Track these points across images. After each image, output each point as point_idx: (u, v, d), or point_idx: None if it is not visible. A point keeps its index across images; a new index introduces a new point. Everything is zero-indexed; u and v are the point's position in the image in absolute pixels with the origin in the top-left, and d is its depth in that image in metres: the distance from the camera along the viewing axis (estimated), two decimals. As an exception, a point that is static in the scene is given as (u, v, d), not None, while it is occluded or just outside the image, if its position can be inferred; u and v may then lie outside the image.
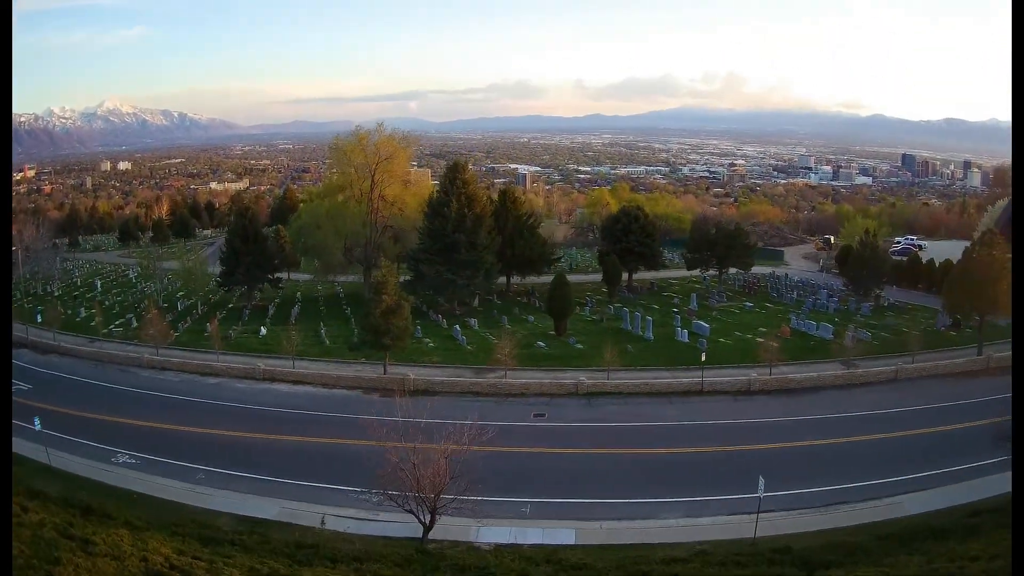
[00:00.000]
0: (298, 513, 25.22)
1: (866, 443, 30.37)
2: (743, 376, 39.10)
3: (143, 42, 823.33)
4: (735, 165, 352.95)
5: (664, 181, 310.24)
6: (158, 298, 68.97)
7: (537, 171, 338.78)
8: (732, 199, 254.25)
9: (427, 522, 21.95)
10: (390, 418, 23.32)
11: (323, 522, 24.17)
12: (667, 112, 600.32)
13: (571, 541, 23.28)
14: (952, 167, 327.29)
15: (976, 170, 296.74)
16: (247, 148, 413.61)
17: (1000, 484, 24.46)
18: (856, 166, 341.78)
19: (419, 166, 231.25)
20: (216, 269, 70.90)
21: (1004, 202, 78.88)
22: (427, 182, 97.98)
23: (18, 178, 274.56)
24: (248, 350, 48.17)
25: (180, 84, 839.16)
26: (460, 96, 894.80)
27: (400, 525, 23.28)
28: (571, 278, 60.12)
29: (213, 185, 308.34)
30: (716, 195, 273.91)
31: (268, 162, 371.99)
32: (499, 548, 22.59)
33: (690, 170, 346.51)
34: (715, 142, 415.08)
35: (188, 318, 59.90)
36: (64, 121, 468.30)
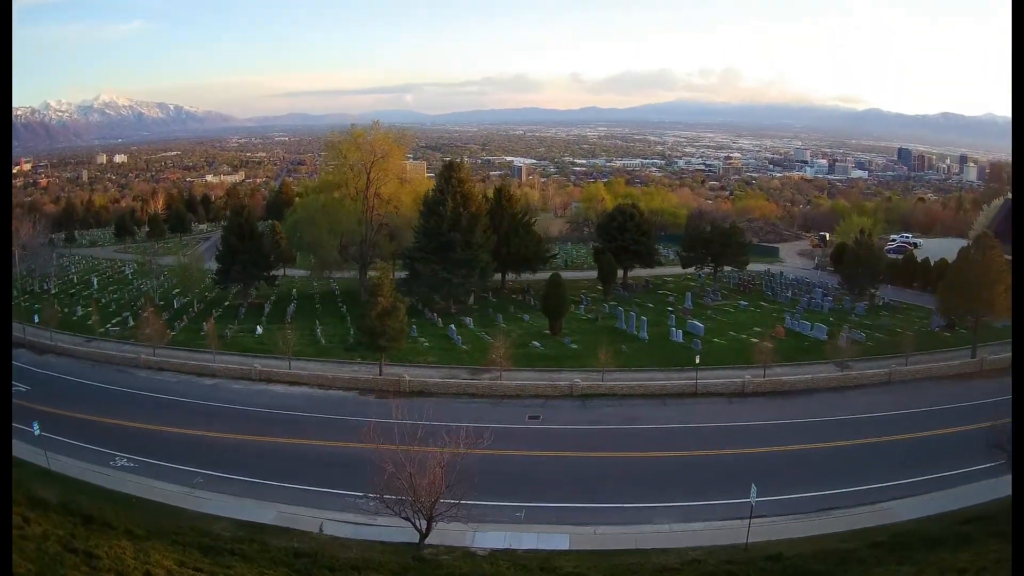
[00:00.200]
0: (295, 518, 25.43)
1: (858, 447, 30.65)
2: (737, 378, 39.35)
3: (140, 35, 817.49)
4: (731, 158, 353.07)
5: (660, 174, 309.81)
6: (154, 296, 69.00)
7: (533, 164, 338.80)
8: (728, 192, 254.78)
9: (423, 529, 22.15)
10: (386, 420, 23.52)
11: (321, 528, 24.40)
12: (663, 105, 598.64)
13: (565, 546, 23.51)
14: (948, 161, 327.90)
15: (972, 165, 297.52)
16: (243, 140, 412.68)
17: (992, 490, 24.85)
18: (852, 160, 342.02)
19: (415, 158, 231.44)
20: (212, 265, 70.90)
21: (1000, 201, 79.31)
22: (423, 177, 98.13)
23: (14, 171, 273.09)
24: (244, 350, 48.34)
25: (176, 77, 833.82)
26: (456, 89, 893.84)
27: (397, 529, 23.43)
28: (566, 275, 60.33)
29: (209, 178, 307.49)
30: (712, 188, 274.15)
31: (264, 154, 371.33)
32: (494, 554, 22.85)
33: (686, 163, 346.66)
34: (711, 135, 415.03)
35: (184, 316, 59.99)
36: (60, 114, 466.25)
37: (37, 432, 28.53)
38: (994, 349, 43.03)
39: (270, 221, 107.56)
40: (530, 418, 35.69)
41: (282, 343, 43.86)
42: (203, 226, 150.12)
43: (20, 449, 28.95)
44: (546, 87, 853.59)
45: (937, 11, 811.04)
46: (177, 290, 72.36)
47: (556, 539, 23.95)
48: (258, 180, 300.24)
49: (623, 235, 68.67)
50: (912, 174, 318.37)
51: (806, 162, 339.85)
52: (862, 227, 72.86)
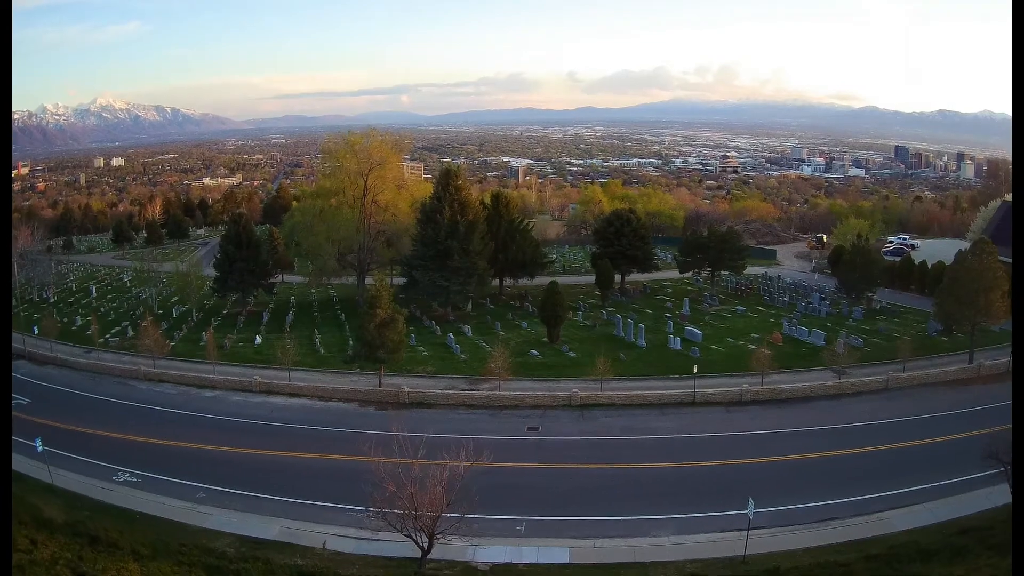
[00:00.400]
0: (298, 533, 25.56)
1: (856, 456, 30.90)
2: (735, 386, 39.52)
3: (137, 38, 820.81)
4: (728, 157, 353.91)
5: (657, 173, 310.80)
6: (153, 304, 69.09)
7: (530, 164, 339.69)
8: (725, 192, 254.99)
9: (425, 546, 22.30)
10: (386, 433, 23.64)
11: (324, 544, 24.58)
12: (659, 104, 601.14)
13: (565, 560, 23.68)
14: (945, 159, 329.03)
15: (969, 162, 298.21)
16: (240, 143, 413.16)
17: (988, 500, 25.16)
18: (849, 158, 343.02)
19: (411, 160, 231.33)
20: (211, 272, 70.95)
21: (997, 203, 79.33)
22: (420, 180, 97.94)
23: (12, 175, 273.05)
24: (244, 360, 48.47)
25: (173, 80, 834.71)
26: (452, 90, 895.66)
27: (399, 545, 23.42)
28: (563, 280, 60.53)
29: (206, 181, 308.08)
30: (709, 188, 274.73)
31: (261, 156, 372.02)
32: (495, 568, 23.05)
33: (683, 162, 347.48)
34: (708, 134, 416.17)
35: (184, 326, 60.15)
36: (57, 118, 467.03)
37: (40, 449, 28.65)
38: (991, 354, 43.35)
39: (267, 226, 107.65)
40: (529, 429, 35.76)
41: (281, 353, 43.81)
42: (201, 231, 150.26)
43: (23, 464, 29.22)
44: (542, 87, 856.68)
45: (933, 8, 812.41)
46: (176, 298, 72.47)
47: (556, 553, 24.09)
48: (255, 183, 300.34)
49: (620, 240, 68.71)
50: (909, 172, 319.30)
51: (803, 160, 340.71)
52: (859, 231, 72.90)
